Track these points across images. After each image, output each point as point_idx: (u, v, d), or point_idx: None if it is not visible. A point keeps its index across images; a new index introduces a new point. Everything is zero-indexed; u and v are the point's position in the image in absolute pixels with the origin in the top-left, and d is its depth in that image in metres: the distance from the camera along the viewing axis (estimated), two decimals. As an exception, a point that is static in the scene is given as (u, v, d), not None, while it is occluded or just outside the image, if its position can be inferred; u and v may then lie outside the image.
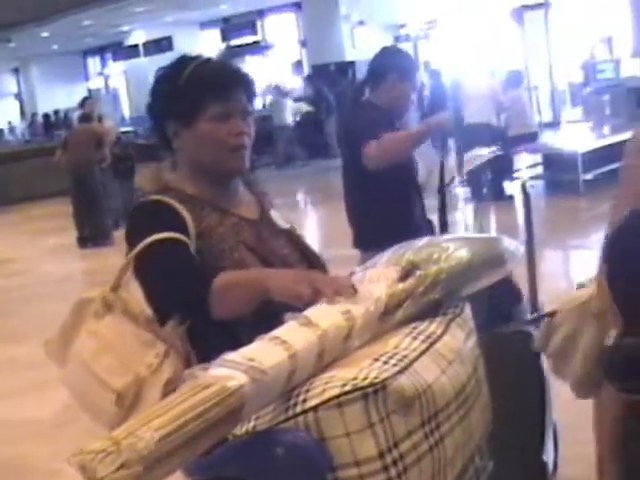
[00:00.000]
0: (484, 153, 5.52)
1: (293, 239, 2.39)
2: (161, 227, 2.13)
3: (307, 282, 1.87)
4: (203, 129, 2.25)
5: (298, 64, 24.55)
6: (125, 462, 1.50)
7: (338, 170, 4.56)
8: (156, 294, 2.11)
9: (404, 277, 1.89)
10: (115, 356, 2.08)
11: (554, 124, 20.54)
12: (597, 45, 18.90)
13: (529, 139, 12.05)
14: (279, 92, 20.49)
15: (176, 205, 2.19)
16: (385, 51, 4.59)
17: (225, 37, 26.77)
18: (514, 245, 2.20)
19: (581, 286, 2.01)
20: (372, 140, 4.03)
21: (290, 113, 20.03)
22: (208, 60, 2.34)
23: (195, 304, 2.01)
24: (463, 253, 1.92)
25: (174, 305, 2.06)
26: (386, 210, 4.17)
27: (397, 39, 23.23)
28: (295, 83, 22.85)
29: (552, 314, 2.00)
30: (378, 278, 1.89)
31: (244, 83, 2.33)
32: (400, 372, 1.71)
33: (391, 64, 4.35)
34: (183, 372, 1.80)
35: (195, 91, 2.24)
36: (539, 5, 20.82)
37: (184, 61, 2.32)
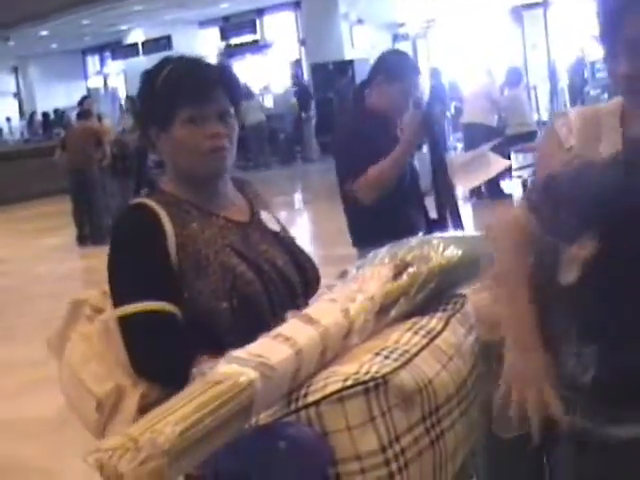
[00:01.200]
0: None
1: (284, 242, 2.38)
2: (140, 247, 2.16)
3: None
4: (178, 134, 2.21)
5: (297, 63, 24.57)
6: (147, 457, 1.51)
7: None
8: (135, 360, 2.10)
9: (397, 275, 1.90)
10: (101, 362, 2.09)
11: (553, 123, 20.51)
12: (588, 44, 18.89)
13: (528, 138, 12.06)
14: (246, 93, 20.51)
15: (159, 212, 2.18)
16: (381, 55, 4.53)
17: (224, 36, 26.77)
18: None
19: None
20: (361, 176, 4.05)
21: (258, 114, 20.07)
22: (186, 61, 2.30)
23: (167, 381, 1.99)
24: (454, 251, 1.94)
25: (148, 373, 2.07)
26: (380, 209, 4.17)
27: (396, 38, 23.26)
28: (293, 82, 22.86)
29: None
30: (372, 277, 1.91)
31: (224, 83, 2.28)
32: (401, 367, 1.73)
33: (378, 66, 4.33)
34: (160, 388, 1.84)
35: (169, 95, 2.21)
36: (538, 4, 20.83)
37: (164, 63, 2.29)
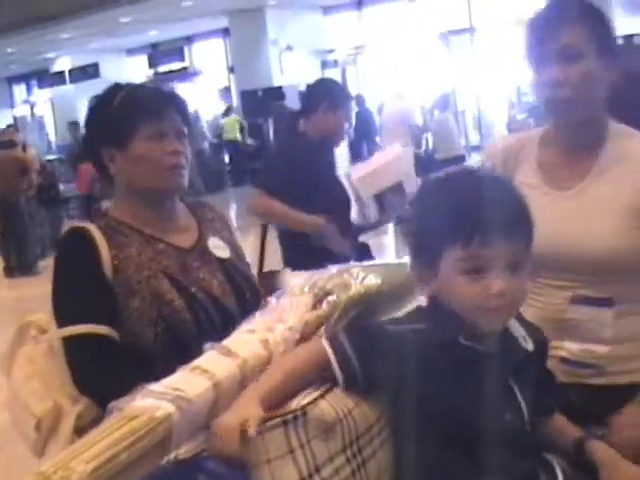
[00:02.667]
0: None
1: (228, 269, 2.38)
2: (75, 270, 2.21)
3: None
4: (137, 150, 2.26)
5: (226, 90, 24.56)
6: None
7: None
8: (78, 379, 2.16)
9: (317, 304, 1.90)
10: (42, 381, 2.12)
11: (481, 147, 20.80)
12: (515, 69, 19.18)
13: (456, 162, 12.18)
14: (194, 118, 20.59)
15: (96, 236, 2.22)
16: (317, 82, 4.73)
17: (152, 63, 26.66)
18: None
19: None
20: (265, 191, 4.21)
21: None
22: (140, 85, 2.43)
23: (101, 399, 2.01)
24: (374, 280, 1.94)
25: (91, 393, 2.13)
26: (305, 235, 4.23)
27: (325, 64, 23.40)
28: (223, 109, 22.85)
29: None
30: (292, 306, 1.90)
31: (176, 104, 2.35)
32: (320, 397, 1.71)
33: (321, 94, 4.44)
34: (97, 407, 1.82)
35: (127, 113, 2.26)
36: (465, 30, 21.12)
37: (116, 88, 2.35)
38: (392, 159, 4.43)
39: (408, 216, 1.80)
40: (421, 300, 1.87)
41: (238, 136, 20.93)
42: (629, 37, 16.84)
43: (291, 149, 4.40)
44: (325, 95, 4.40)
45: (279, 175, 4.23)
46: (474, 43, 20.96)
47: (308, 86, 4.70)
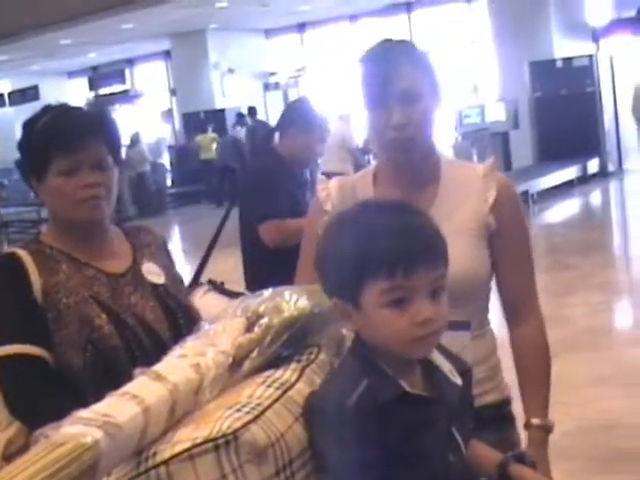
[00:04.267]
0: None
1: (162, 295, 2.36)
2: (6, 294, 2.19)
3: None
4: (51, 184, 2.23)
5: (168, 112, 24.50)
6: None
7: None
8: (9, 401, 2.15)
9: (250, 328, 1.89)
10: None
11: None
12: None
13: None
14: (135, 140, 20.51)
15: (26, 261, 2.20)
16: (292, 102, 4.96)
17: (93, 86, 26.54)
18: None
19: None
20: (271, 220, 4.22)
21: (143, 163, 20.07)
22: (62, 111, 2.31)
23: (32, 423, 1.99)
24: (306, 302, 1.93)
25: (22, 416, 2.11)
26: (269, 257, 4.26)
27: (267, 87, 23.49)
28: (165, 132, 22.78)
29: None
30: (224, 330, 1.89)
31: (101, 132, 2.28)
32: (252, 421, 1.69)
33: (293, 117, 4.51)
34: (27, 433, 1.79)
35: (42, 146, 2.22)
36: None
37: (42, 113, 2.30)
38: None
39: (319, 254, 1.77)
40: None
41: (214, 155, 20.70)
42: (568, 59, 17.16)
43: (267, 168, 4.45)
44: (298, 117, 4.46)
45: (267, 198, 4.26)
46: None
47: (284, 108, 4.79)
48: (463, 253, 2.24)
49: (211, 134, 21.05)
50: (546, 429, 2.31)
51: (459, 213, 2.31)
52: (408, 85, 2.23)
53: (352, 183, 2.43)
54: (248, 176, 4.94)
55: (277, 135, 4.53)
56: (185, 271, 2.63)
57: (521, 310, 2.39)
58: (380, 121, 2.26)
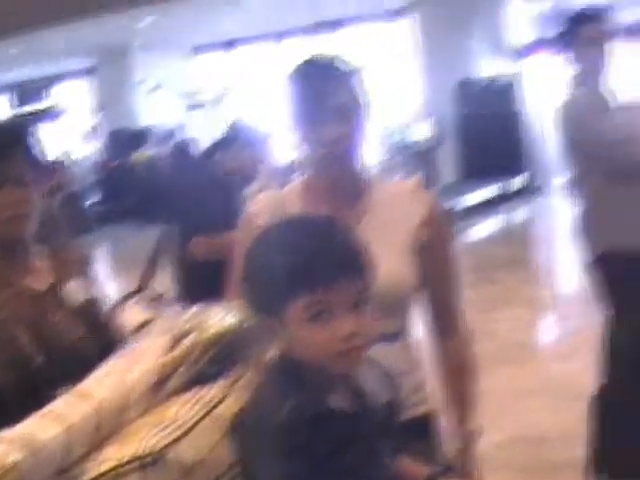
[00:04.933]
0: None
1: (86, 314, 2.32)
2: None
3: None
4: None
5: (93, 130, 24.27)
6: None
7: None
8: None
9: (175, 345, 1.87)
10: None
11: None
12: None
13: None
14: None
15: None
16: (233, 122, 4.87)
17: (17, 103, 26.18)
18: None
19: None
20: (201, 235, 4.25)
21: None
22: None
23: None
24: (232, 318, 1.93)
25: None
26: (199, 272, 4.24)
27: (192, 105, 23.39)
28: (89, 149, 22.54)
29: None
30: (149, 348, 1.88)
31: (21, 148, 2.23)
32: (179, 439, 1.68)
33: (235, 135, 4.59)
34: None
35: None
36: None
37: None
38: None
39: (243, 270, 1.77)
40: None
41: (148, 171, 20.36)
42: (492, 78, 17.43)
43: (201, 184, 4.44)
44: (240, 135, 4.46)
45: (198, 214, 4.25)
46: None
47: (229, 123, 4.85)
48: (394, 267, 2.27)
49: (146, 151, 20.88)
50: (473, 440, 2.33)
51: (390, 227, 2.34)
52: (338, 101, 2.24)
53: (282, 197, 2.45)
54: (180, 193, 4.92)
55: (218, 153, 4.53)
56: (115, 287, 2.60)
57: (448, 323, 2.44)
58: (311, 137, 2.28)
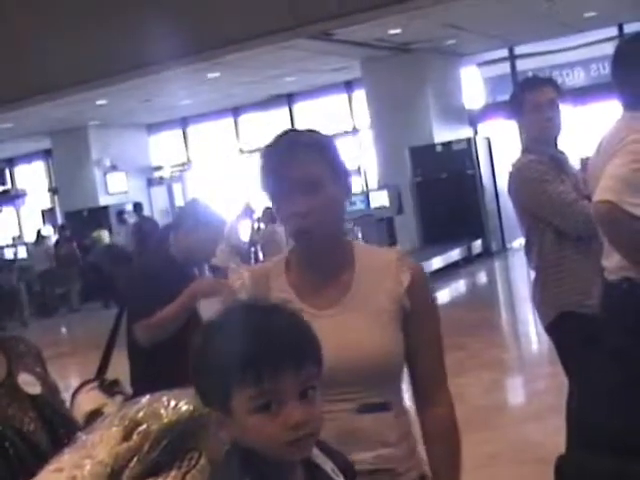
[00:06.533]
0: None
1: (40, 405, 2.29)
2: None
3: None
4: None
5: (50, 212, 24.19)
6: None
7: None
8: None
9: (127, 436, 1.83)
10: None
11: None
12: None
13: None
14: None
15: None
16: (187, 202, 4.98)
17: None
18: None
19: None
20: (144, 318, 4.17)
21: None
22: None
23: None
24: (185, 407, 1.89)
25: None
26: (160, 354, 4.18)
27: (150, 182, 23.44)
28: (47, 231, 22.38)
29: None
30: (101, 440, 1.83)
31: None
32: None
33: (187, 214, 4.51)
34: None
35: None
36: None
37: None
38: None
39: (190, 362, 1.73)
40: None
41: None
42: (447, 144, 17.64)
43: (156, 267, 4.39)
44: (190, 215, 4.44)
45: (152, 298, 4.20)
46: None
47: (182, 205, 4.83)
48: (380, 337, 2.26)
49: (102, 231, 20.78)
50: None
51: (376, 297, 2.31)
52: (307, 173, 2.22)
53: (266, 271, 2.41)
54: (133, 276, 4.87)
55: (172, 234, 4.50)
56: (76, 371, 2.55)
57: (432, 392, 2.41)
58: (284, 210, 2.26)
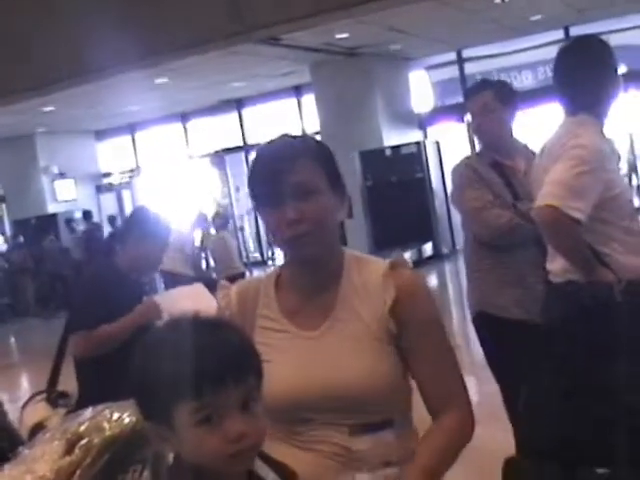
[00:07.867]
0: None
1: None
2: None
3: None
4: None
5: (-1, 220, 23.91)
6: None
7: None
8: None
9: (70, 450, 1.81)
10: None
11: (263, 262, 21.13)
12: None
13: (236, 280, 12.22)
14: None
15: None
16: (133, 210, 4.81)
17: None
18: None
19: None
20: (83, 330, 4.12)
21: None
22: None
23: None
24: (128, 419, 1.87)
25: None
26: (92, 369, 4.16)
27: (99, 189, 23.26)
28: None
29: None
30: (42, 455, 1.80)
31: None
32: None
33: (133, 222, 4.47)
34: None
35: None
36: (239, 148, 21.59)
37: None
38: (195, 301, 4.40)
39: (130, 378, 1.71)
40: None
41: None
42: (397, 147, 17.69)
43: (101, 278, 4.33)
44: (137, 224, 4.40)
45: (94, 309, 4.14)
46: (249, 160, 21.40)
47: (127, 215, 4.78)
48: (358, 364, 2.15)
49: (53, 238, 20.56)
50: None
51: (357, 321, 2.20)
52: (300, 180, 2.13)
53: (256, 286, 2.33)
54: (80, 284, 4.83)
55: (118, 242, 4.45)
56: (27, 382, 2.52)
57: (442, 408, 2.24)
58: (274, 219, 2.17)
